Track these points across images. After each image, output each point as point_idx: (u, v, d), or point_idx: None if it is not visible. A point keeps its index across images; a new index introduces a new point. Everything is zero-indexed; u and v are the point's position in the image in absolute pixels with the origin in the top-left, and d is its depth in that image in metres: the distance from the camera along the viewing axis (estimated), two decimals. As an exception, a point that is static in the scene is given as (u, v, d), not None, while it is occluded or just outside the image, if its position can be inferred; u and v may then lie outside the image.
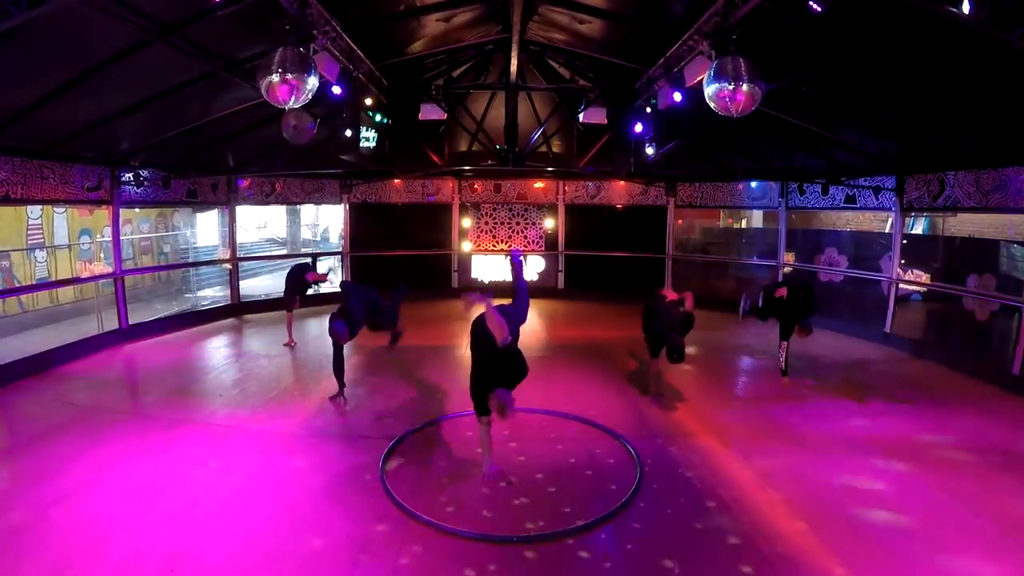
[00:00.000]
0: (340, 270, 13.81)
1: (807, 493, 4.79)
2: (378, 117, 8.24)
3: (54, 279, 12.02)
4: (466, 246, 13.64)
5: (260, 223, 21.23)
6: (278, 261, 18.23)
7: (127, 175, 9.12)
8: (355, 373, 7.30)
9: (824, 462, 5.33)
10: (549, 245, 13.71)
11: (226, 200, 11.56)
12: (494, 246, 13.71)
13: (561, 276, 13.71)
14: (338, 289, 9.74)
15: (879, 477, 5.05)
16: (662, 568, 3.83)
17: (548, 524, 4.31)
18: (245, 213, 17.30)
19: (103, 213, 11.40)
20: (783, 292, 7.37)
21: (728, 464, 5.31)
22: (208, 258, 16.25)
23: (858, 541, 4.13)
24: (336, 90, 6.73)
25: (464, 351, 8.84)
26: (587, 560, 3.93)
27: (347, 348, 6.78)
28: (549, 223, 13.66)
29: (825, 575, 3.76)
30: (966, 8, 3.89)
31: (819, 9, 4.60)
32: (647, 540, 4.14)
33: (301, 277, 9.09)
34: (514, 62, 8.41)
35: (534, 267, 13.73)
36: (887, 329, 9.52)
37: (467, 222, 13.59)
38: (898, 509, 4.53)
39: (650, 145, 8.81)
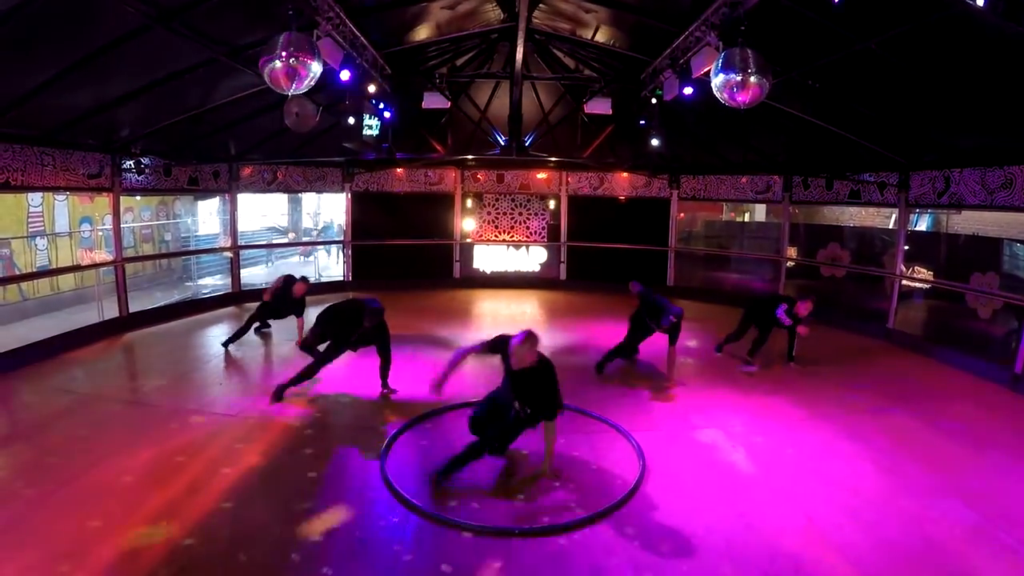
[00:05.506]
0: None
1: (809, 488, 4.79)
2: (381, 105, 8.17)
3: (55, 267, 11.98)
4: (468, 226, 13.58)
5: (263, 211, 20.98)
6: (279, 250, 18.16)
7: (128, 162, 9.06)
8: (353, 364, 7.25)
9: (826, 456, 5.35)
10: (552, 236, 13.66)
11: (227, 188, 11.49)
12: (496, 236, 13.67)
13: (563, 267, 13.66)
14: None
15: (882, 473, 5.05)
16: (666, 561, 3.83)
17: (552, 517, 4.30)
18: (246, 201, 17.17)
19: (104, 200, 11.34)
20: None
21: (731, 457, 5.31)
22: (209, 246, 16.20)
23: (860, 537, 4.13)
24: (345, 75, 6.67)
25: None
26: (591, 553, 3.92)
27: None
28: (551, 214, 13.61)
29: (827, 568, 3.77)
30: (980, 0, 3.82)
31: (836, 1, 4.52)
32: (650, 533, 4.14)
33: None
34: (519, 51, 8.33)
35: (536, 258, 13.70)
36: (890, 325, 9.50)
37: (469, 213, 13.55)
38: (900, 506, 4.53)
39: (655, 136, 8.74)
